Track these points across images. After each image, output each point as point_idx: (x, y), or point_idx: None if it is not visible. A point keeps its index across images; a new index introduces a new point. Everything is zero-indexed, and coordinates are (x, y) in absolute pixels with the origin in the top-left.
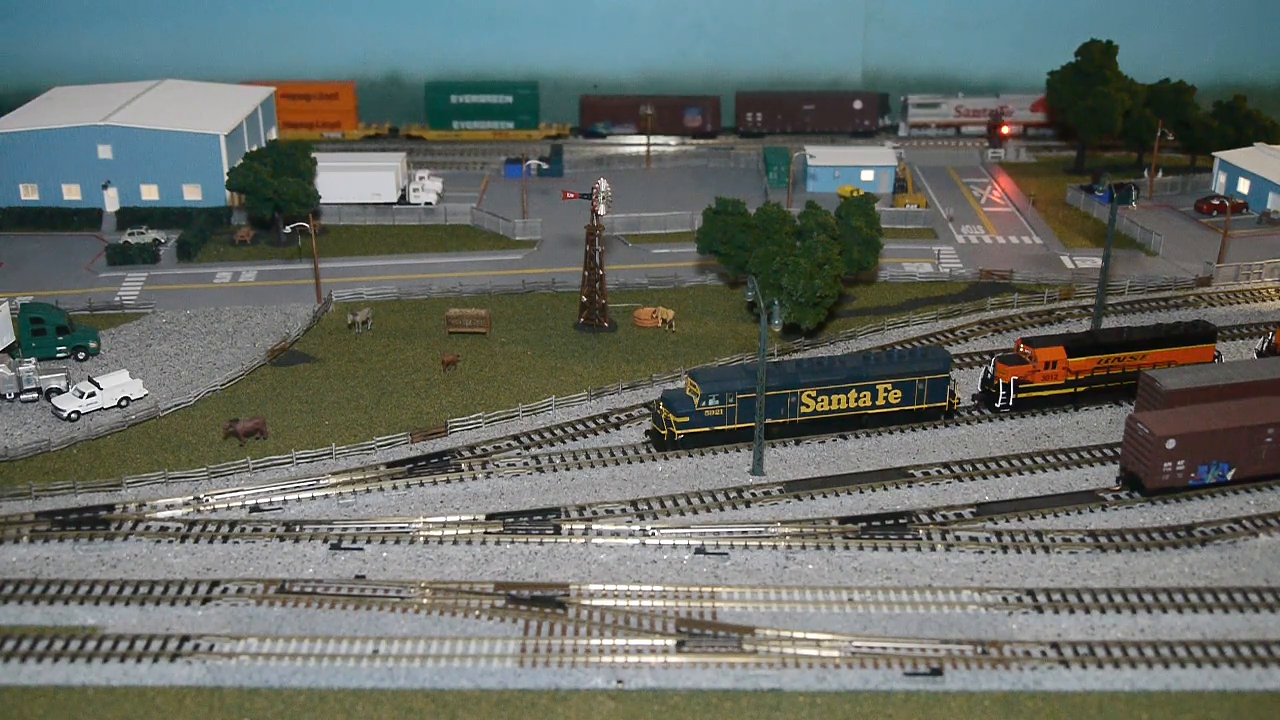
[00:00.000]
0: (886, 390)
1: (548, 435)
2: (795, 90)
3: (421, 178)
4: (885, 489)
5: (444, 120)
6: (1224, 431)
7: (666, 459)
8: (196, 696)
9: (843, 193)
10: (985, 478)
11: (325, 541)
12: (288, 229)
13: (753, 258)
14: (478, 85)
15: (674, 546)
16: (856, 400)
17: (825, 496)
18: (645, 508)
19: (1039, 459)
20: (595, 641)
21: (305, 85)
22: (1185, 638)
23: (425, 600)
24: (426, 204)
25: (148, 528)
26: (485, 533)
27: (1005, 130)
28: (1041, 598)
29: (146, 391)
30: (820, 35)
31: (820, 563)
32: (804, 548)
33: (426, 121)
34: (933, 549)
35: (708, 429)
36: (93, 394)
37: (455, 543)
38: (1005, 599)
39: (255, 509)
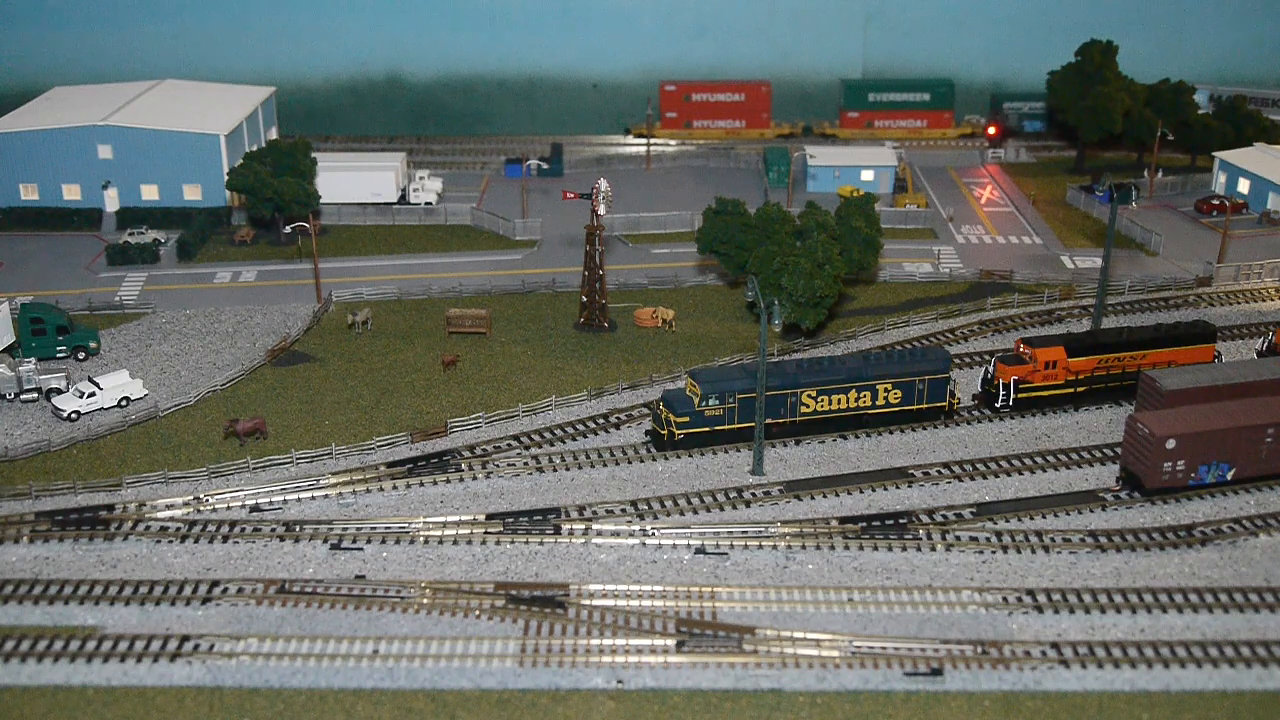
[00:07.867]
0: (886, 390)
1: (548, 435)
2: None
3: (421, 178)
4: (885, 489)
5: None
6: (1224, 431)
7: (666, 459)
8: (196, 696)
9: (843, 193)
10: (985, 478)
11: (325, 541)
12: (288, 229)
13: (753, 258)
14: None
15: (674, 546)
16: (856, 400)
17: (825, 496)
18: (645, 508)
19: (1039, 459)
20: (595, 641)
21: None
22: (1185, 638)
23: (425, 600)
24: (426, 204)
25: (148, 528)
26: (485, 533)
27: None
28: (1041, 598)
29: (146, 391)
30: (820, 35)
31: (820, 563)
32: (804, 548)
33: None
34: (933, 549)
35: (708, 429)
36: (93, 394)
37: (455, 543)
38: (1005, 599)
39: (255, 509)
